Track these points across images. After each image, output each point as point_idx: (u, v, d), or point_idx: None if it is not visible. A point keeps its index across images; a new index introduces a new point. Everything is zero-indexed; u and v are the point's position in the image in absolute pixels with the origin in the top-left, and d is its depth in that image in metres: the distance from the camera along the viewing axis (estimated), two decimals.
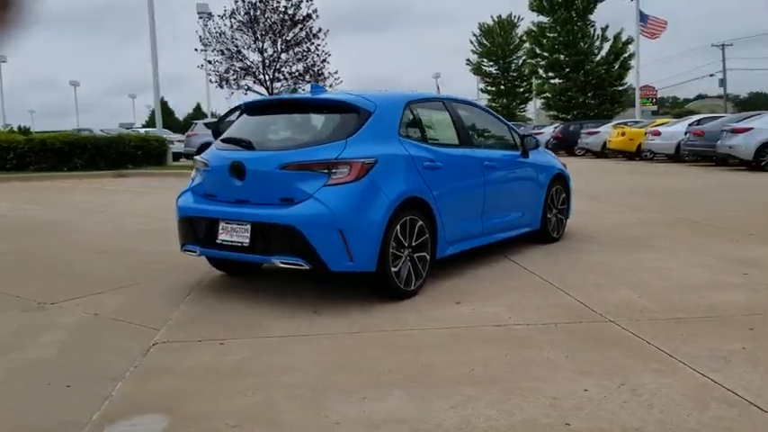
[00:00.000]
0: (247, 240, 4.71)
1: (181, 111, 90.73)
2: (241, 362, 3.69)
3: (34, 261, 6.70)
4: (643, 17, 35.66)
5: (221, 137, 5.28)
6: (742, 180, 15.03)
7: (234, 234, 4.78)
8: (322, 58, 20.58)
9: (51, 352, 3.90)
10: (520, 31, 54.57)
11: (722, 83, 71.15)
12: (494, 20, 56.33)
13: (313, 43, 20.42)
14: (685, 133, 21.61)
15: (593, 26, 42.57)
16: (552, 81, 44.09)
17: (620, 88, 43.23)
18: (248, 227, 4.71)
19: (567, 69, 42.65)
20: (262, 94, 21.18)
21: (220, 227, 4.85)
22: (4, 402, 3.19)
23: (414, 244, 4.95)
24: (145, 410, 3.08)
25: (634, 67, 41.00)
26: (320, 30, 20.36)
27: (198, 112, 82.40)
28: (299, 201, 4.60)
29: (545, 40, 43.23)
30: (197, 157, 5.31)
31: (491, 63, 56.74)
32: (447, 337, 4.07)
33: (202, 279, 5.68)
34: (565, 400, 3.10)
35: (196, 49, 20.87)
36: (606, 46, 42.42)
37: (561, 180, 7.26)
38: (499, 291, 5.17)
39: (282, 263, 4.63)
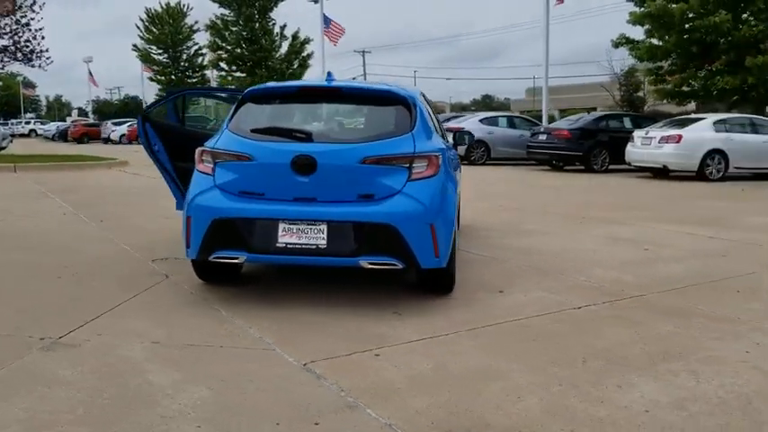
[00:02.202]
0: (324, 242, 4.26)
1: None
2: (441, 370, 3.45)
3: None
4: (326, 20, 37.90)
5: (253, 127, 4.60)
6: (474, 173, 17.29)
7: (303, 236, 4.27)
8: (33, 35, 17.69)
9: (203, 395, 3.12)
10: (190, 20, 53.61)
11: None
12: (162, 7, 54.11)
13: (25, 15, 17.45)
14: None
15: (274, 24, 43.75)
16: (236, 75, 44.13)
17: None
18: (323, 227, 4.26)
19: (250, 64, 43.13)
20: None
21: (281, 228, 4.29)
22: None
23: None
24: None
25: (312, 66, 43.68)
26: (34, 2, 17.48)
27: None
28: (382, 197, 4.33)
29: (228, 34, 43.08)
30: (219, 149, 4.53)
31: (161, 51, 54.39)
32: (567, 324, 4.27)
33: (192, 290, 4.87)
34: (756, 361, 3.63)
35: None
36: (286, 44, 44.01)
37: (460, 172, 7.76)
38: (507, 277, 5.47)
39: (371, 264, 4.29)
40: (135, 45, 53.75)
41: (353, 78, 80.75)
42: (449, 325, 4.18)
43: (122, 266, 5.64)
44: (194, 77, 54.85)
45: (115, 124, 44.20)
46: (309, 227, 4.27)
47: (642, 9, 19.47)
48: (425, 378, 3.34)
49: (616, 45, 21.48)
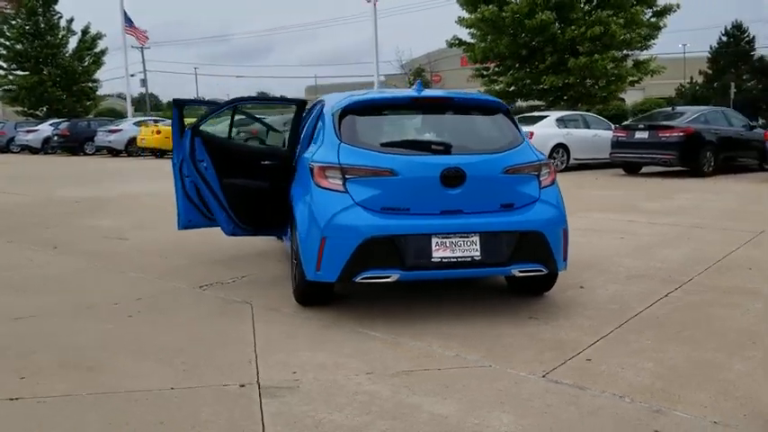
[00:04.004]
0: (478, 253, 4.24)
1: None
2: (667, 366, 3.64)
3: None
4: (128, 19, 35.42)
5: (375, 140, 4.41)
6: None
7: (457, 249, 4.21)
8: None
9: (508, 419, 3.03)
10: None
11: (144, 83, 75.63)
12: None
13: None
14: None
15: (60, 17, 39.88)
16: (17, 73, 39.57)
17: (92, 84, 41.83)
18: (476, 238, 4.24)
19: (34, 61, 38.92)
20: None
21: (434, 243, 4.19)
22: None
23: None
24: None
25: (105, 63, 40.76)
26: None
27: None
28: (522, 205, 4.41)
29: (6, 28, 38.45)
30: (352, 164, 4.26)
31: None
32: (685, 312, 4.64)
33: (299, 315, 4.56)
34: None
35: None
36: (75, 40, 40.41)
37: None
38: (564, 272, 5.76)
39: (521, 272, 4.36)
40: None
41: (132, 75, 76.18)
42: (595, 324, 4.37)
43: (180, 298, 5.08)
44: None
45: None
46: (462, 239, 4.23)
47: (475, 14, 20.91)
48: (668, 376, 3.50)
49: (450, 45, 22.91)
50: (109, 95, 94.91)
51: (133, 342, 4.07)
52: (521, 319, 4.49)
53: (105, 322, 4.47)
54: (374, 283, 4.28)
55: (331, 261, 4.21)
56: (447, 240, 4.21)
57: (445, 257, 4.20)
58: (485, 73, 23.04)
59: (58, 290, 5.34)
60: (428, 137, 4.77)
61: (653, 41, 21.63)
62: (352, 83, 72.73)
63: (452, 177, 4.23)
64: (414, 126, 4.90)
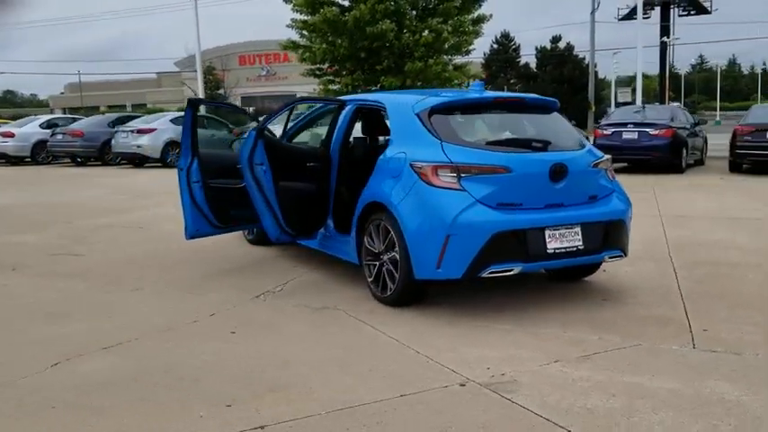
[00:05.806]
0: (581, 243, 4.55)
1: None
2: None
3: None
4: None
5: (472, 138, 4.57)
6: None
7: (564, 240, 4.49)
8: None
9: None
10: None
11: None
12: None
13: None
14: (52, 135, 20.98)
15: None
16: None
17: None
18: (578, 229, 4.56)
19: None
20: None
21: (547, 235, 4.44)
22: None
23: None
24: None
25: None
26: None
27: None
28: (602, 196, 4.81)
29: None
30: (467, 163, 4.33)
31: None
32: (705, 284, 5.36)
33: (405, 317, 4.54)
34: None
35: None
36: None
37: None
38: None
39: (610, 257, 4.76)
40: None
41: None
42: (661, 301, 4.87)
43: (254, 310, 4.78)
44: None
45: None
46: (568, 230, 4.53)
47: (316, 16, 21.04)
48: None
49: (284, 48, 22.77)
50: None
51: (285, 358, 3.80)
52: (597, 301, 4.88)
53: (213, 341, 4.08)
54: (497, 276, 4.42)
55: (456, 258, 4.28)
56: (557, 232, 4.49)
57: (557, 248, 4.48)
58: (317, 73, 23.26)
59: (92, 315, 4.70)
60: (521, 135, 4.99)
61: (473, 47, 23.45)
62: (125, 80, 68.05)
63: (559, 172, 4.52)
64: (500, 125, 5.09)
